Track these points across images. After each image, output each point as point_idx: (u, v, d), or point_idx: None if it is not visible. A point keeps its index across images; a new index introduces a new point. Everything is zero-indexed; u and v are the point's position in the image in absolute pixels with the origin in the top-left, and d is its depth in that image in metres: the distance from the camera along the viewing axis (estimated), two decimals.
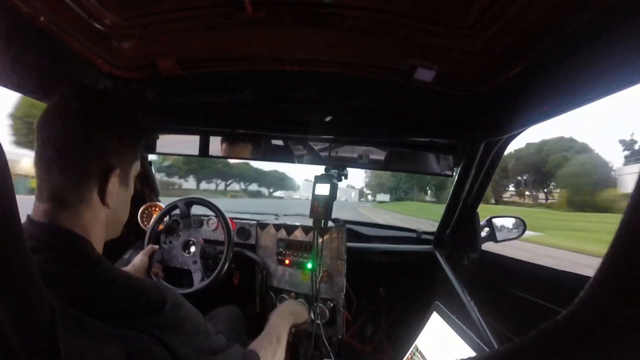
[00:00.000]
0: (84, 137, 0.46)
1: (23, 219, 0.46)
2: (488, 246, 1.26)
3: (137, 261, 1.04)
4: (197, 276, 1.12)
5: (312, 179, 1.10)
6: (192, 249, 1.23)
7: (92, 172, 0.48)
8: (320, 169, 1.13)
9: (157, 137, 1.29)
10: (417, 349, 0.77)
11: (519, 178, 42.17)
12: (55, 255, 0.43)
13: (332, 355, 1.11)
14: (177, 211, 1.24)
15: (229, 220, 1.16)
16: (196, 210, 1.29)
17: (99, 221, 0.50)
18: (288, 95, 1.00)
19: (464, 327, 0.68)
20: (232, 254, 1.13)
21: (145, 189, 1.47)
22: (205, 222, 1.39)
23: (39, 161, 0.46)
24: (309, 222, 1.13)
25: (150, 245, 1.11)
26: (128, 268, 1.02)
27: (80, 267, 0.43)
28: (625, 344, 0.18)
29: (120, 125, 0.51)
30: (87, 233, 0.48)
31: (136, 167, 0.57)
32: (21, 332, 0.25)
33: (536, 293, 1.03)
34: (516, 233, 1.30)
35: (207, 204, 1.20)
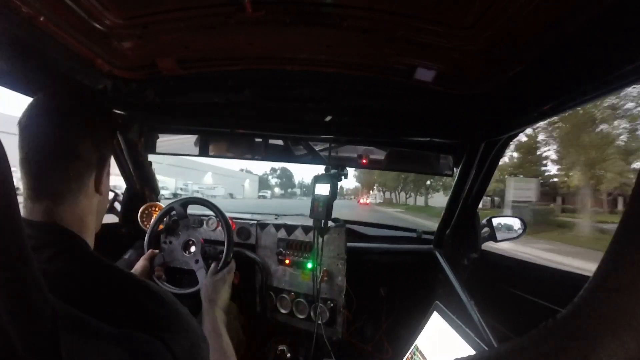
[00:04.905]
0: (80, 130, 0.48)
1: None
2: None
3: (138, 266, 1.04)
4: (201, 274, 1.12)
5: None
6: (192, 248, 1.22)
7: (91, 162, 0.50)
8: (320, 169, 1.13)
9: (157, 137, 1.29)
10: (417, 349, 0.78)
11: None
12: (56, 252, 0.43)
13: (332, 355, 1.12)
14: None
15: (229, 220, 1.16)
16: (196, 210, 1.29)
17: (92, 211, 0.52)
18: (288, 94, 1.00)
19: (464, 327, 0.68)
20: (232, 254, 1.13)
21: (145, 189, 1.46)
22: (205, 222, 1.39)
23: (27, 160, 0.45)
24: (309, 222, 1.13)
25: (150, 250, 1.11)
26: None
27: (81, 265, 0.43)
28: (624, 341, 0.18)
29: (107, 116, 0.55)
30: (84, 227, 0.49)
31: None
32: (22, 330, 0.25)
33: (536, 293, 1.03)
34: (516, 233, 1.30)
35: (206, 204, 1.19)
